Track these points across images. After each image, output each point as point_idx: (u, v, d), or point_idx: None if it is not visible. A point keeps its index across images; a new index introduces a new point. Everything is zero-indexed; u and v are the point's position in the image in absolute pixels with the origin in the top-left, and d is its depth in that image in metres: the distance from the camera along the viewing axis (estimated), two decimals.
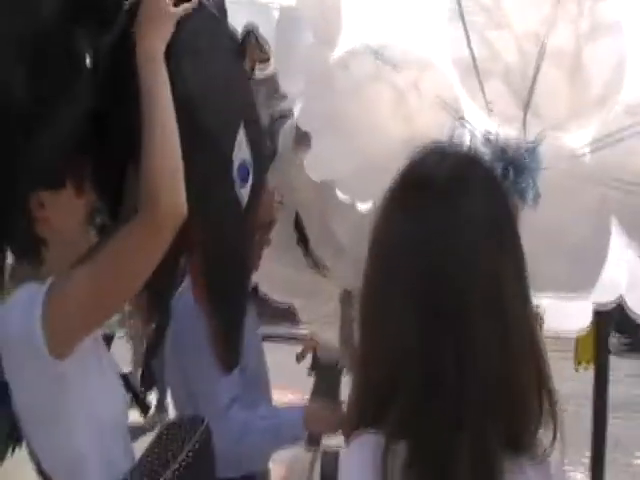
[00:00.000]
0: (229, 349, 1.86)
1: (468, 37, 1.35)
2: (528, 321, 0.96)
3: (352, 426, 0.99)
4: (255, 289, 2.60)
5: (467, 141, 1.45)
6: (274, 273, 2.33)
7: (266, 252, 2.27)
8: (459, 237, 0.93)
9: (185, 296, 2.16)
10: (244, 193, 1.67)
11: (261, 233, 2.21)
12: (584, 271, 1.62)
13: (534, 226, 1.49)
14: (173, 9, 1.46)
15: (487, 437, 0.92)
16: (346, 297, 2.34)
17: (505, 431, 0.93)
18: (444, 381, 0.91)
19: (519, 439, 0.95)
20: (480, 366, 0.92)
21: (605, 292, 1.67)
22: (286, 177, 2.04)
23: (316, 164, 1.58)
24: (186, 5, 1.48)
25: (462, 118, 1.46)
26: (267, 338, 3.11)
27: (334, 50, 1.53)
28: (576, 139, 1.59)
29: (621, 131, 1.56)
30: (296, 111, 1.66)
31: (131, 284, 1.49)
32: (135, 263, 1.43)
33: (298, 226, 2.19)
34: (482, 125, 1.49)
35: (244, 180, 1.66)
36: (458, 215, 0.94)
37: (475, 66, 1.39)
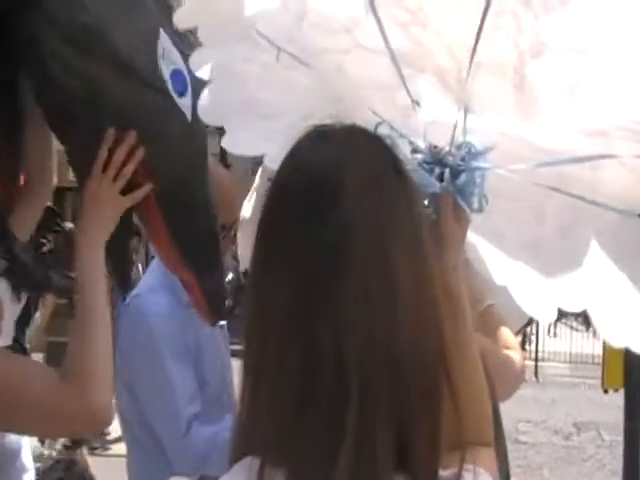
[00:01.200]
0: (212, 301, 1.76)
1: (384, 33, 1.30)
2: (423, 308, 0.87)
3: (232, 452, 0.91)
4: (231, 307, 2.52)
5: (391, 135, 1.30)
6: None
7: None
8: (335, 228, 0.85)
9: (133, 302, 2.10)
10: (185, 102, 1.56)
11: (227, 232, 2.13)
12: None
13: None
14: (120, 203, 1.45)
15: (374, 455, 0.80)
16: None
17: (396, 446, 0.82)
18: (321, 386, 0.81)
19: (413, 454, 0.82)
20: (364, 366, 0.82)
21: (571, 302, 1.58)
22: None
23: (236, 144, 1.58)
24: (135, 195, 1.47)
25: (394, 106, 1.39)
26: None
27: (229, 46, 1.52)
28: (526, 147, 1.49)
29: (581, 152, 1.47)
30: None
31: (25, 431, 1.53)
32: (35, 423, 1.39)
33: None
34: (413, 121, 1.42)
35: (182, 89, 1.55)
36: (336, 208, 0.86)
37: (395, 59, 1.34)
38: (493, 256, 1.62)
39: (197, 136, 1.62)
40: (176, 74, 1.53)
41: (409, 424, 0.82)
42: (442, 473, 0.84)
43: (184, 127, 1.55)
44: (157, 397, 2.04)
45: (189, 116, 1.56)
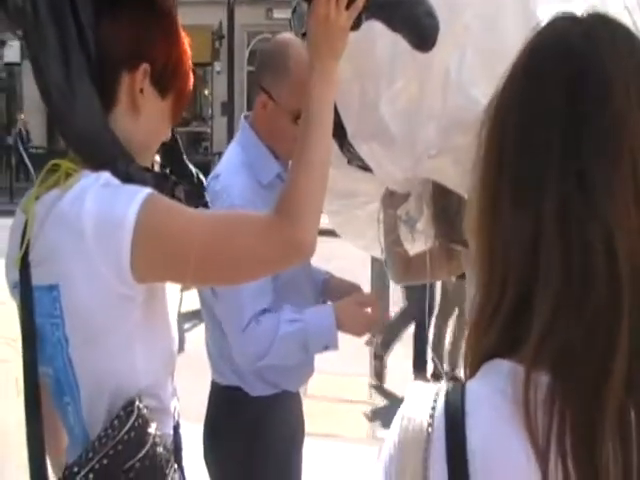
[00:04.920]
0: None
1: None
2: None
3: (476, 352, 0.85)
4: None
5: None
6: None
7: None
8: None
9: (214, 183, 2.03)
10: None
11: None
12: None
13: None
14: (345, 20, 1.37)
15: None
16: (388, 198, 2.23)
17: None
18: (594, 281, 0.77)
19: None
20: (635, 275, 0.76)
21: None
22: None
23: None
24: (357, 3, 1.37)
25: None
26: None
27: None
28: None
29: None
30: None
31: (228, 279, 1.47)
32: (241, 265, 1.35)
33: (335, 118, 2.02)
34: None
35: None
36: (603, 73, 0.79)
37: None
38: None
39: None
40: None
41: None
42: None
43: None
44: (224, 293, 2.04)
45: None
